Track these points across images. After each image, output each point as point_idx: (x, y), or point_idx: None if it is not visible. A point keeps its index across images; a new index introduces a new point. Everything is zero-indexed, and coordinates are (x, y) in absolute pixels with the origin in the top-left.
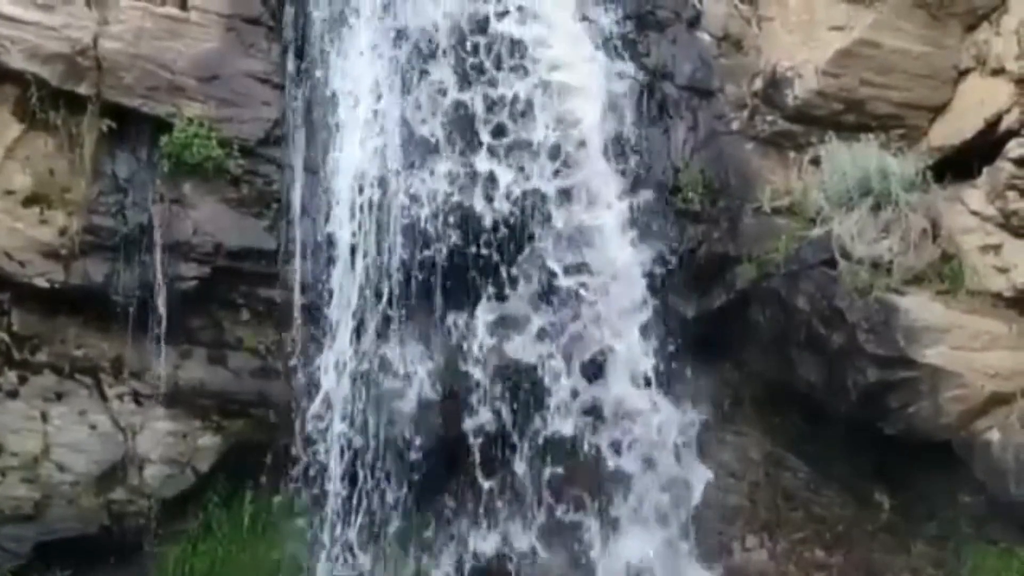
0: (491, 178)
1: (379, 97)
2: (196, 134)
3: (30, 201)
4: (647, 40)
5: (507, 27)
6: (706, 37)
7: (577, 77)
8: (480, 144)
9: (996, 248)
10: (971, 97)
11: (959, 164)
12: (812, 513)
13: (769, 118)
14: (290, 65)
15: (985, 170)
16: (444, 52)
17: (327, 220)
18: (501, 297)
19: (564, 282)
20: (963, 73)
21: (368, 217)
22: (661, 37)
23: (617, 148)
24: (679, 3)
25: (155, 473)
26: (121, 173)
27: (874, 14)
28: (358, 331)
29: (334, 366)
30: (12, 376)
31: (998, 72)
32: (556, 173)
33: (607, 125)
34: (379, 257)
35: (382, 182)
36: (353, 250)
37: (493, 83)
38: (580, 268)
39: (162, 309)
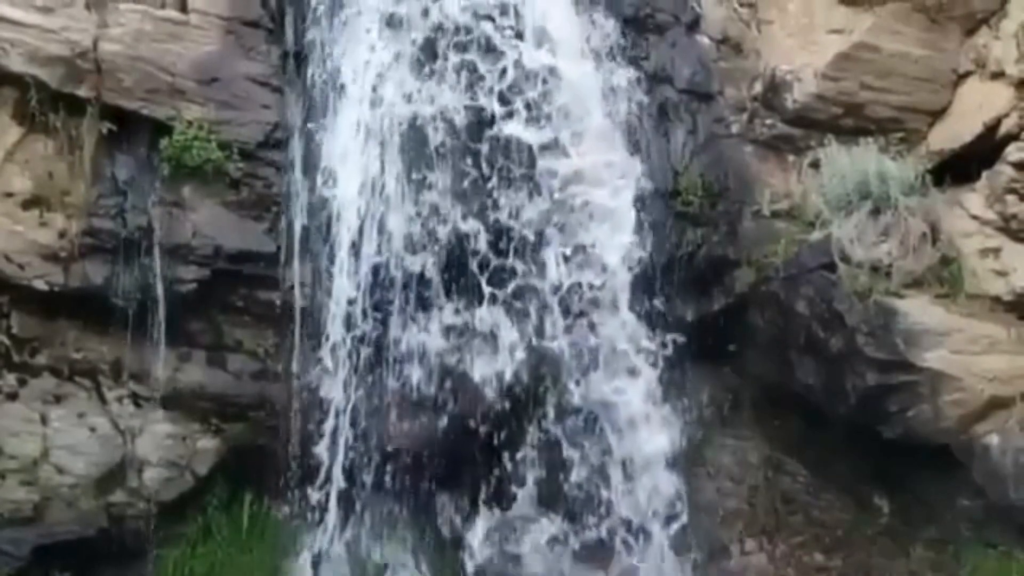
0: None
1: None
2: (196, 137)
3: (30, 204)
4: (646, 44)
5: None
6: (705, 40)
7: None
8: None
9: (995, 252)
10: (970, 101)
11: (958, 168)
12: (811, 517)
13: (768, 121)
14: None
15: (984, 174)
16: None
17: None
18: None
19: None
20: (962, 77)
21: None
22: (660, 40)
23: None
24: (678, 6)
25: (154, 476)
26: (121, 176)
27: (873, 18)
28: None
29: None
30: (11, 379)
31: (997, 76)
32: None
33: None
34: None
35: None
36: None
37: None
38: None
39: (161, 312)
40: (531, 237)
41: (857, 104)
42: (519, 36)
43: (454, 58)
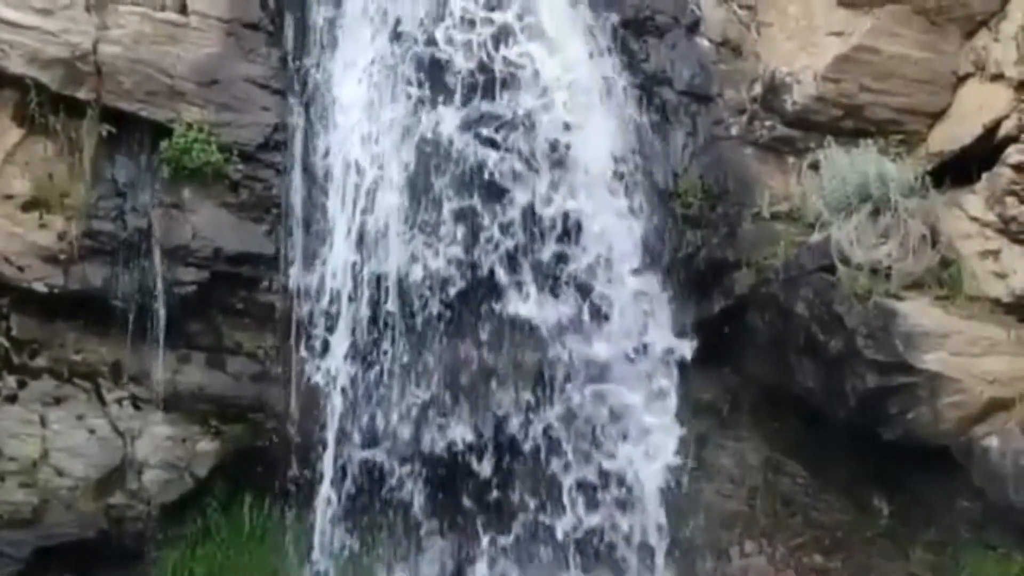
0: None
1: None
2: (196, 139)
3: (29, 206)
4: (646, 46)
5: None
6: (705, 43)
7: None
8: None
9: (995, 254)
10: (970, 103)
11: (958, 170)
12: (811, 518)
13: (768, 123)
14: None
15: (984, 176)
16: None
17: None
18: None
19: None
20: (962, 79)
21: None
22: (660, 43)
23: None
24: (678, 8)
25: (154, 478)
26: (120, 178)
27: (873, 20)
28: None
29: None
30: (11, 380)
31: (997, 78)
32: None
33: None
34: None
35: None
36: None
37: None
38: None
39: (161, 314)
40: None
41: (857, 106)
42: None
43: None
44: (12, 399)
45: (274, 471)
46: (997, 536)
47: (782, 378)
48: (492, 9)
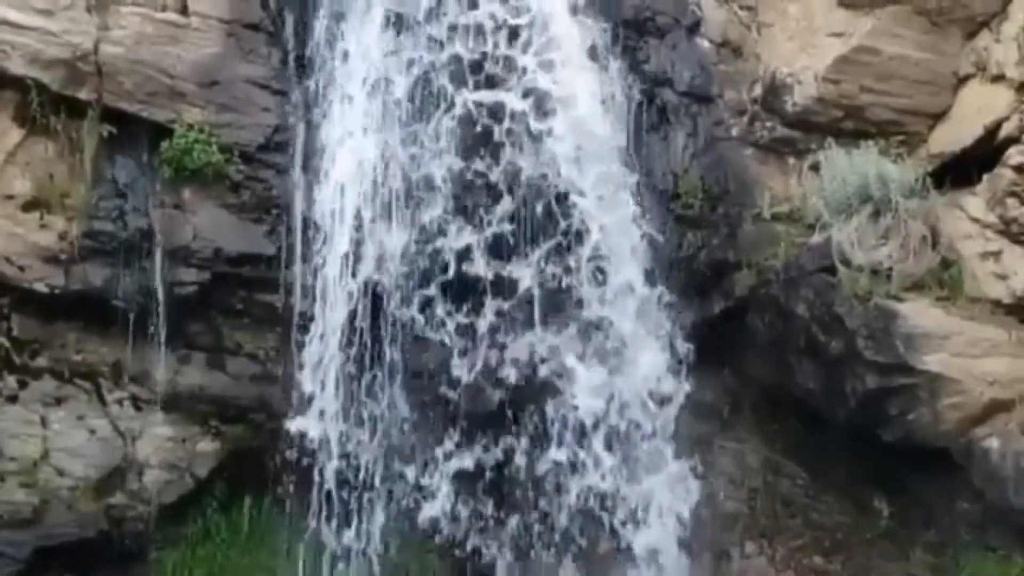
0: None
1: None
2: (196, 139)
3: (30, 206)
4: (647, 47)
5: None
6: (706, 43)
7: None
8: None
9: (996, 255)
10: (971, 104)
11: (959, 171)
12: (811, 520)
13: (768, 124)
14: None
15: (985, 177)
16: None
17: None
18: None
19: None
20: (963, 80)
21: None
22: (661, 44)
23: None
24: (679, 9)
25: (154, 478)
26: (121, 178)
27: (873, 21)
28: None
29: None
30: (12, 381)
31: (998, 79)
32: None
33: None
34: None
35: None
36: None
37: None
38: None
39: (162, 314)
40: None
41: (857, 107)
42: None
43: None
44: (13, 399)
45: (274, 471)
46: (997, 537)
47: (782, 379)
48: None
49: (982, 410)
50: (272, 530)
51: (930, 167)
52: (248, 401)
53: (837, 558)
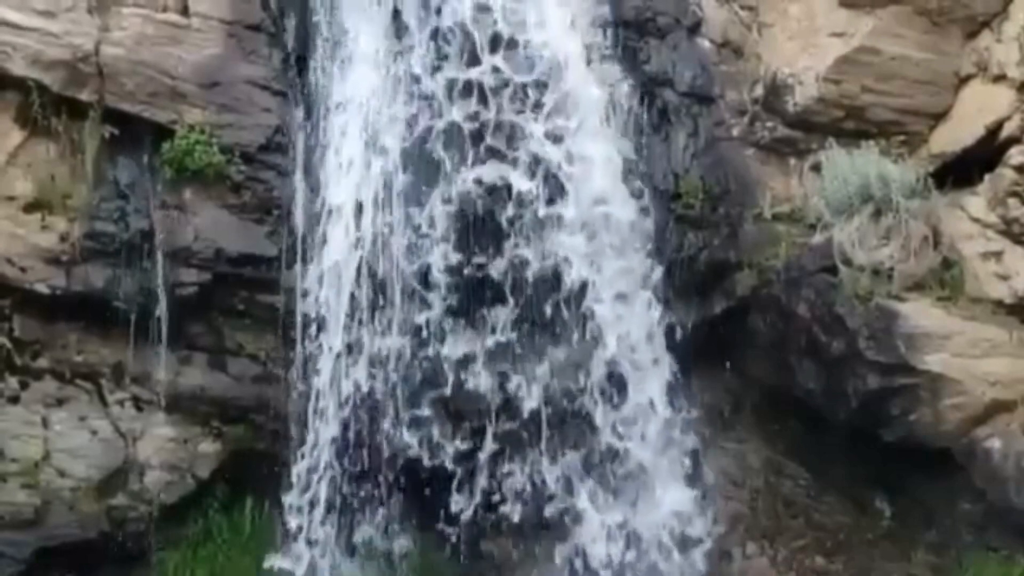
0: None
1: None
2: (197, 140)
3: (31, 207)
4: (647, 47)
5: None
6: (706, 44)
7: None
8: None
9: (997, 255)
10: (972, 104)
11: (960, 171)
12: (812, 520)
13: (769, 124)
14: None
15: (986, 177)
16: None
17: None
18: None
19: None
20: (964, 80)
21: None
22: (661, 44)
23: None
24: (680, 10)
25: (156, 479)
26: (122, 179)
27: (874, 21)
28: None
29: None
30: (13, 381)
31: (999, 79)
32: None
33: None
34: None
35: None
36: None
37: None
38: None
39: (163, 315)
40: None
41: (858, 107)
42: None
43: None
44: (14, 400)
45: (276, 472)
46: (999, 538)
47: (783, 379)
48: None
49: (983, 410)
50: (273, 531)
51: (931, 167)
52: (249, 402)
53: (839, 559)
